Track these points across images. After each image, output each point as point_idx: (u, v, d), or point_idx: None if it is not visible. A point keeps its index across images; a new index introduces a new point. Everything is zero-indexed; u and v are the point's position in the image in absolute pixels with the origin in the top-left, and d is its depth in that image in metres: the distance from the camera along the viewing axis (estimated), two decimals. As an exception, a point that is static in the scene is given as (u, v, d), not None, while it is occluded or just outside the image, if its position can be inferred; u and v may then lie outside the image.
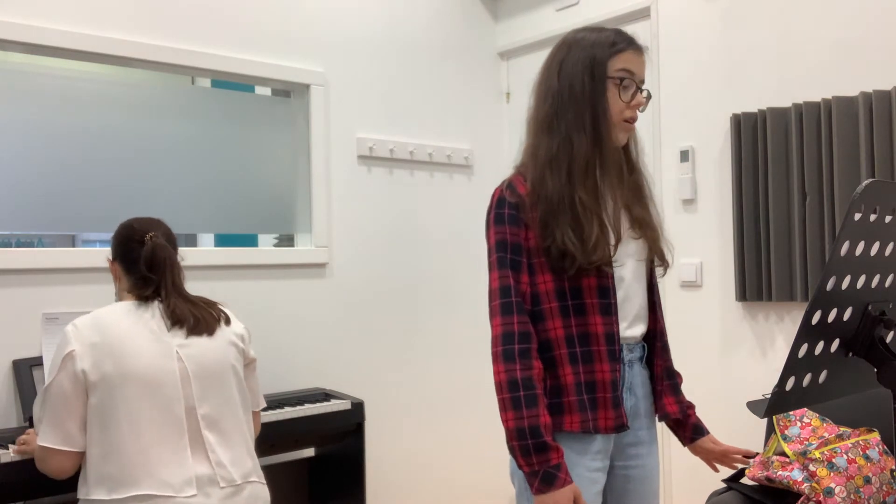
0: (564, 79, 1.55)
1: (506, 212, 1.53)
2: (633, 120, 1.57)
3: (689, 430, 1.71)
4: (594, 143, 1.53)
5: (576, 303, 1.52)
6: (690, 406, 1.73)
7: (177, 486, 1.72)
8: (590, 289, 1.52)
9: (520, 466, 1.46)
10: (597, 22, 3.28)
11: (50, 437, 1.73)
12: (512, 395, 1.45)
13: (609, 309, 1.54)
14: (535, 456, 1.43)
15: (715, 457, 1.70)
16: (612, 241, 1.53)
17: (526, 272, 1.53)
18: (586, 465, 1.53)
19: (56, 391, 1.73)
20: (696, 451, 1.73)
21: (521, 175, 1.59)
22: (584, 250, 1.48)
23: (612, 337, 1.54)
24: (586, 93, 1.53)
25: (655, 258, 1.66)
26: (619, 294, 1.57)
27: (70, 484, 1.87)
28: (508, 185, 1.57)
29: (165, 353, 1.80)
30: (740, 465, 1.73)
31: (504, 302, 1.51)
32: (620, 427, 1.54)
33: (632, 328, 1.60)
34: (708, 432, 1.72)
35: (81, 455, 1.77)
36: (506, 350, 1.48)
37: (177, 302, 1.87)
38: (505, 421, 1.47)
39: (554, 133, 1.55)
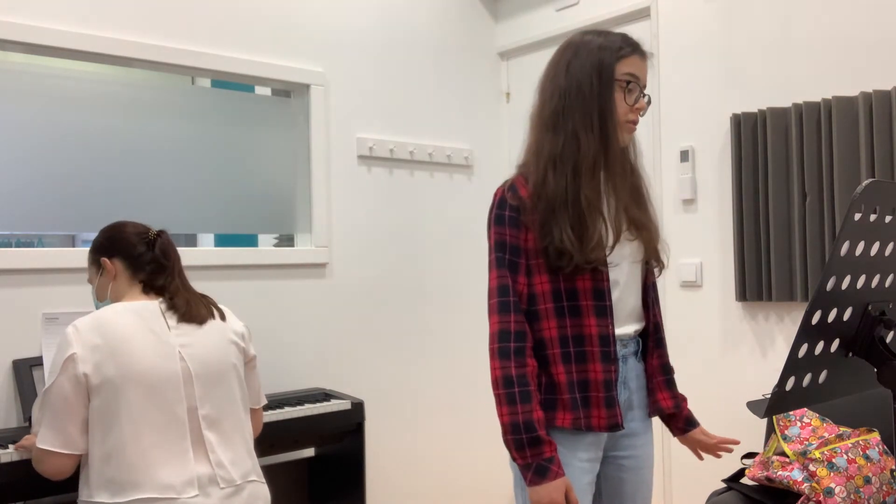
0: (572, 78, 1.57)
1: (506, 213, 1.58)
2: (635, 122, 1.62)
3: (682, 421, 1.77)
4: (601, 142, 1.56)
5: (571, 304, 1.56)
6: (684, 399, 1.78)
7: (179, 488, 1.72)
8: (585, 291, 1.56)
9: (514, 459, 1.52)
10: (597, 22, 3.28)
11: (49, 440, 1.73)
12: (507, 391, 1.51)
13: (604, 311, 1.57)
14: (529, 449, 1.49)
15: (704, 447, 1.76)
16: (612, 241, 1.56)
17: (523, 273, 1.57)
18: (578, 456, 1.58)
19: (56, 394, 1.73)
20: (686, 442, 1.78)
21: (523, 176, 1.61)
22: (582, 249, 1.51)
23: (607, 338, 1.57)
24: (594, 93, 1.55)
25: (651, 259, 1.69)
26: (614, 296, 1.61)
27: (70, 484, 1.87)
28: (510, 186, 1.60)
29: (168, 353, 1.80)
30: (724, 455, 1.79)
31: (501, 301, 1.56)
32: (614, 427, 1.58)
33: (624, 327, 1.64)
34: (699, 424, 1.77)
35: (80, 457, 1.76)
36: (501, 348, 1.54)
37: (178, 289, 1.92)
38: (500, 416, 1.52)
39: (559, 131, 1.57)
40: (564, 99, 1.57)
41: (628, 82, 1.57)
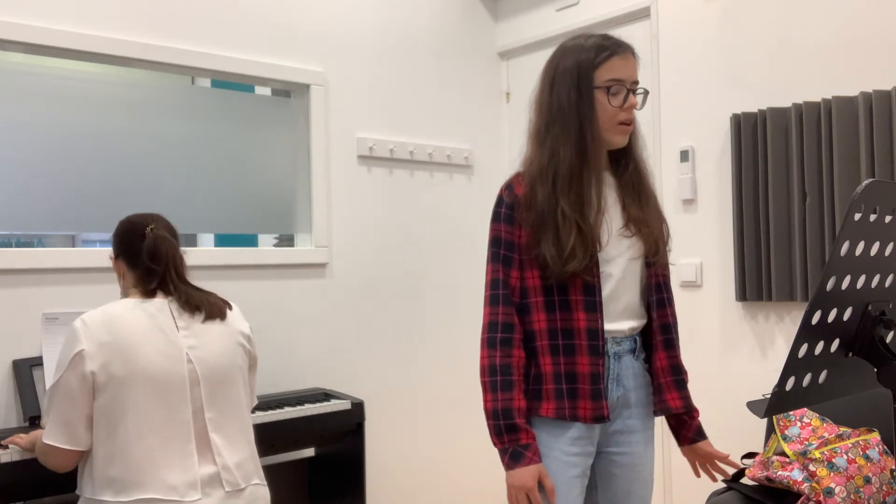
0: (554, 96, 1.64)
1: (503, 210, 1.66)
2: (628, 122, 1.65)
3: (692, 430, 1.76)
4: (579, 154, 1.61)
5: (561, 299, 1.62)
6: (696, 410, 1.77)
7: (182, 490, 1.72)
8: (575, 286, 1.61)
9: (493, 444, 1.60)
10: (597, 22, 3.28)
11: (55, 436, 1.73)
12: (490, 379, 1.60)
13: (594, 306, 1.61)
14: (506, 435, 1.58)
15: (708, 461, 1.76)
16: (591, 250, 1.60)
17: (517, 267, 1.64)
18: (562, 449, 1.62)
19: (63, 389, 1.72)
20: (692, 452, 1.78)
21: (521, 176, 1.68)
22: (560, 261, 1.57)
23: (596, 333, 1.61)
24: (573, 107, 1.61)
25: (650, 256, 1.70)
26: (605, 292, 1.64)
27: (70, 484, 1.87)
28: (508, 185, 1.68)
29: (175, 355, 1.79)
30: (719, 475, 1.78)
31: (493, 294, 1.64)
32: (599, 419, 1.61)
33: (618, 323, 1.66)
34: (707, 437, 1.77)
35: (84, 452, 1.76)
36: (489, 338, 1.62)
37: (188, 291, 1.88)
38: (484, 402, 1.62)
39: (545, 147, 1.64)
40: (548, 115, 1.64)
41: (609, 87, 1.61)
